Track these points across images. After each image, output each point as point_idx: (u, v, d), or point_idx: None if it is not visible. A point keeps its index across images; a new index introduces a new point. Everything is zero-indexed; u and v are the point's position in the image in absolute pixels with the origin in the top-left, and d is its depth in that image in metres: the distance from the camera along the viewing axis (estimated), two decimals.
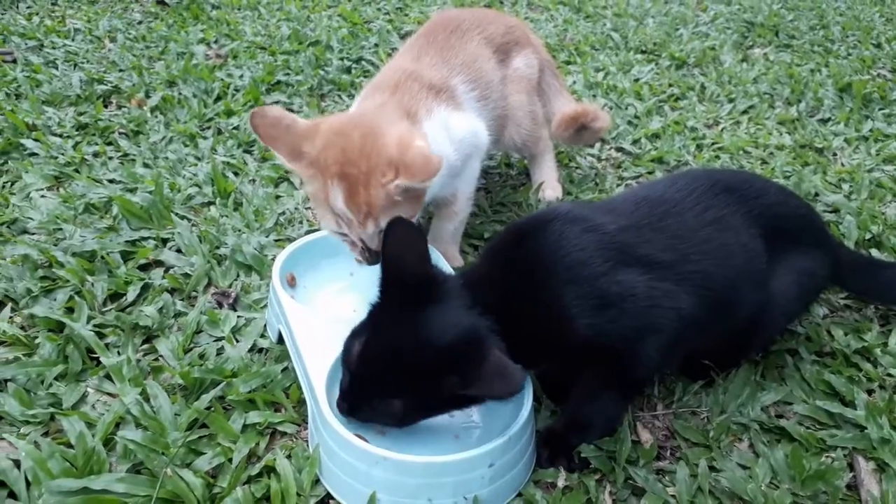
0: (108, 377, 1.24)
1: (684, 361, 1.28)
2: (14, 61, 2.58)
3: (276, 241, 1.65)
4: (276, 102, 2.43)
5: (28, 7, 3.22)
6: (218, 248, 1.60)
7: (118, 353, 1.29)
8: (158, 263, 1.55)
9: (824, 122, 2.52)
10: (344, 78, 2.62)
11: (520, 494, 1.07)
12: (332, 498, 1.05)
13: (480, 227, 1.76)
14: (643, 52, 3.20)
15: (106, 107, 2.32)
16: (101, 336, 1.32)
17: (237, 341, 1.35)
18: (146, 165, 1.96)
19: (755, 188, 1.23)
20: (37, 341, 1.30)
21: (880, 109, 2.58)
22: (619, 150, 2.24)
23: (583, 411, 1.16)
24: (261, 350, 1.34)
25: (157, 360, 1.30)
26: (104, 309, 1.41)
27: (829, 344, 1.39)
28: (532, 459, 1.12)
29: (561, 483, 1.09)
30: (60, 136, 2.08)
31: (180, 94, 2.41)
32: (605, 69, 2.90)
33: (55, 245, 1.56)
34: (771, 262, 1.19)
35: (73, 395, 1.19)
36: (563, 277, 1.03)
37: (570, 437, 1.14)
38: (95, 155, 2.00)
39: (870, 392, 1.29)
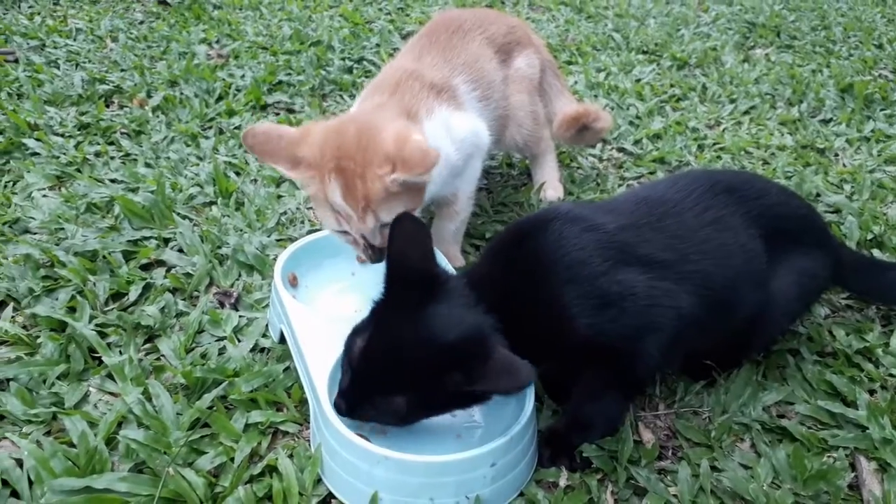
0: (110, 377, 1.24)
1: (686, 361, 1.28)
2: (16, 61, 2.58)
3: (278, 240, 1.65)
4: (278, 102, 2.43)
5: (30, 7, 3.22)
6: (220, 247, 1.60)
7: (120, 352, 1.30)
8: (160, 263, 1.55)
9: (826, 122, 2.52)
10: (345, 78, 2.62)
11: (522, 494, 1.07)
12: (334, 497, 1.05)
13: (482, 226, 1.77)
14: (644, 52, 3.20)
15: (108, 106, 2.32)
16: (102, 335, 1.32)
17: (239, 341, 1.35)
18: (148, 165, 1.96)
19: (755, 189, 1.23)
20: (39, 341, 1.30)
21: (882, 110, 2.58)
22: (621, 150, 2.24)
23: (584, 411, 1.16)
24: (262, 350, 1.34)
25: (158, 359, 1.30)
26: (106, 308, 1.41)
27: (830, 344, 1.39)
28: (534, 459, 1.12)
29: (563, 483, 1.09)
30: (62, 135, 2.08)
31: (182, 93, 2.41)
32: (607, 69, 2.90)
33: (57, 245, 1.56)
34: (771, 262, 1.19)
35: (76, 395, 1.19)
36: (563, 277, 1.03)
37: (571, 437, 1.14)
38: (97, 155, 2.00)
39: (871, 392, 1.29)
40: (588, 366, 1.12)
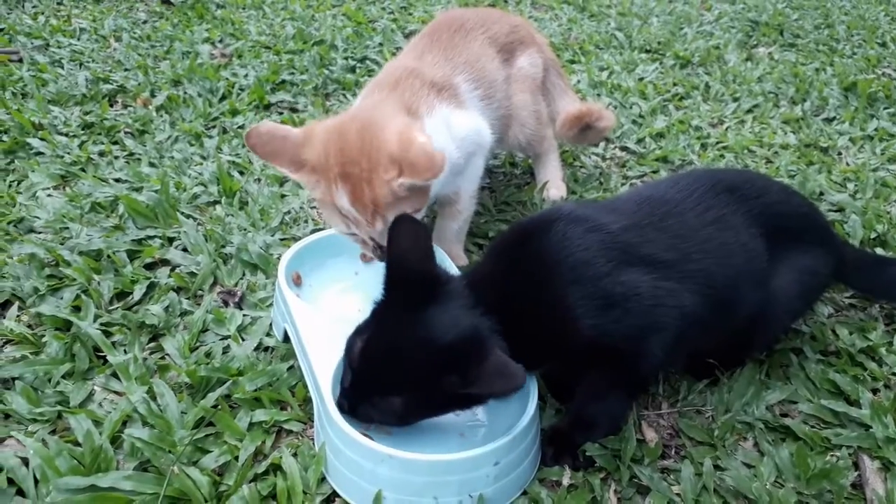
0: (114, 375, 1.25)
1: (689, 360, 1.28)
2: (20, 61, 2.59)
3: (282, 239, 1.66)
4: (281, 102, 2.43)
5: (34, 6, 3.22)
6: (224, 246, 1.61)
7: (125, 351, 1.30)
8: (164, 262, 1.56)
9: (829, 121, 2.51)
10: (348, 77, 2.63)
11: (525, 493, 1.08)
12: (338, 496, 1.05)
13: (485, 225, 1.77)
14: (647, 51, 3.20)
15: (111, 106, 2.32)
16: (107, 335, 1.33)
17: (243, 340, 1.35)
18: (152, 164, 1.96)
19: (756, 187, 1.23)
20: (44, 340, 1.30)
21: (885, 108, 2.58)
22: (624, 149, 2.24)
23: (588, 410, 1.17)
24: (267, 349, 1.34)
25: (163, 358, 1.31)
26: (111, 307, 1.41)
27: (834, 343, 1.39)
28: (537, 458, 1.12)
29: (566, 481, 1.09)
30: (66, 135, 2.09)
31: (185, 93, 2.41)
32: (610, 68, 2.90)
33: (62, 244, 1.56)
34: (773, 260, 1.19)
35: (81, 394, 1.20)
36: (567, 278, 1.03)
37: (575, 436, 1.15)
38: (101, 154, 2.00)
39: (875, 391, 1.29)
40: (592, 365, 1.12)
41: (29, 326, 1.35)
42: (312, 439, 1.15)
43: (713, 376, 1.30)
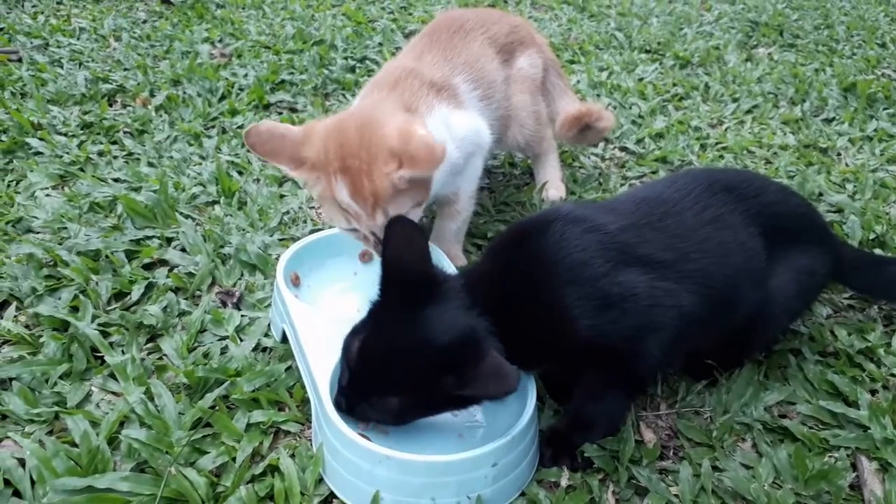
0: (112, 376, 1.25)
1: (687, 361, 1.28)
2: (19, 60, 2.59)
3: (280, 240, 1.65)
4: (281, 101, 2.43)
5: (33, 6, 3.22)
6: (222, 247, 1.60)
7: (122, 352, 1.30)
8: (163, 262, 1.56)
9: (828, 121, 2.51)
10: (348, 77, 2.63)
11: (523, 494, 1.07)
12: (336, 497, 1.05)
13: (484, 226, 1.77)
14: (647, 51, 3.20)
15: (111, 106, 2.32)
16: (105, 335, 1.33)
17: (241, 340, 1.35)
18: (151, 164, 1.96)
19: (754, 187, 1.23)
20: (41, 340, 1.30)
21: (885, 109, 2.58)
22: (623, 149, 2.24)
23: (586, 411, 1.16)
24: (265, 349, 1.34)
25: (161, 359, 1.31)
26: (109, 308, 1.41)
27: (832, 344, 1.39)
28: (535, 459, 1.12)
29: (564, 482, 1.09)
30: (65, 134, 2.09)
31: (185, 93, 2.41)
32: (609, 68, 2.89)
33: (60, 244, 1.56)
34: (771, 260, 1.19)
35: (78, 394, 1.20)
36: (564, 278, 1.03)
37: (573, 437, 1.14)
38: (100, 154, 2.00)
39: (873, 392, 1.29)
40: (589, 366, 1.12)
41: (26, 327, 1.35)
42: (310, 440, 1.15)
43: (711, 377, 1.30)
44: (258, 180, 1.92)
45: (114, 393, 1.22)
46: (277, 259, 1.43)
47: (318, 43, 2.95)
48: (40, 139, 2.00)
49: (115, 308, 1.41)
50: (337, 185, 1.21)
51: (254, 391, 1.21)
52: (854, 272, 1.41)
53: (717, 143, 2.28)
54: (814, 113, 2.56)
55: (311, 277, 1.44)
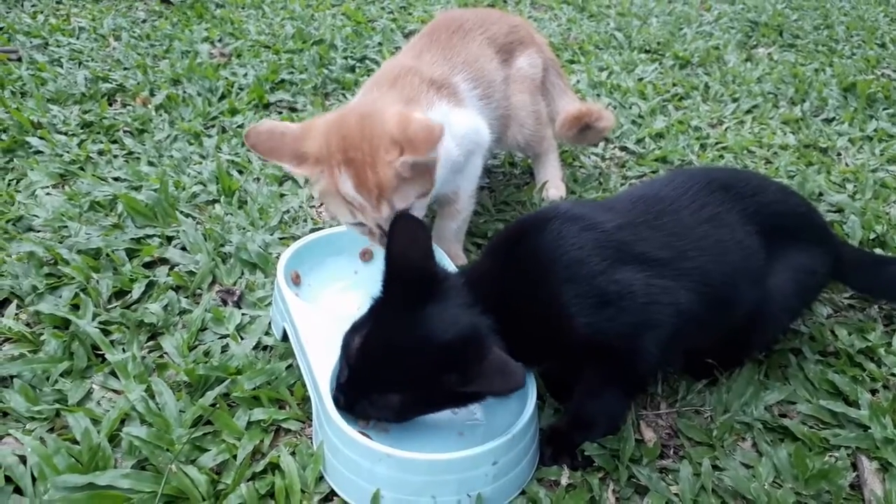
0: (113, 374, 1.25)
1: (687, 360, 1.29)
2: (19, 59, 2.59)
3: (281, 238, 1.65)
4: (280, 101, 2.43)
5: (33, 5, 3.22)
6: (223, 245, 1.60)
7: (123, 350, 1.30)
8: (163, 261, 1.56)
9: (828, 121, 2.52)
10: (348, 76, 2.63)
11: (523, 492, 1.07)
12: (336, 495, 1.05)
13: (484, 225, 1.77)
14: (647, 51, 3.20)
15: (111, 105, 2.32)
16: (106, 333, 1.33)
17: (242, 339, 1.35)
18: (151, 163, 1.96)
19: (751, 186, 1.24)
20: (42, 338, 1.30)
21: (884, 109, 2.58)
22: (623, 149, 2.24)
23: (586, 409, 1.17)
24: (265, 347, 1.34)
25: (161, 357, 1.31)
26: (109, 306, 1.41)
27: (832, 343, 1.39)
28: (535, 457, 1.12)
29: (564, 481, 1.09)
30: (65, 134, 2.08)
31: (185, 92, 2.41)
32: (609, 68, 2.90)
33: (60, 242, 1.56)
34: (770, 259, 1.19)
35: (79, 392, 1.20)
36: (561, 276, 1.04)
37: (573, 435, 1.15)
38: (100, 153, 2.00)
39: (873, 392, 1.29)
40: (588, 364, 1.12)
41: (27, 325, 1.35)
42: (311, 438, 1.15)
43: (712, 376, 1.30)
44: (258, 179, 1.93)
45: (114, 391, 1.22)
46: (278, 258, 1.43)
47: (318, 42, 2.96)
48: (40, 138, 2.00)
49: (115, 306, 1.41)
50: (341, 177, 1.21)
51: (254, 389, 1.21)
52: (854, 272, 1.41)
53: (717, 143, 2.28)
54: (814, 113, 2.56)
55: (311, 276, 1.44)
